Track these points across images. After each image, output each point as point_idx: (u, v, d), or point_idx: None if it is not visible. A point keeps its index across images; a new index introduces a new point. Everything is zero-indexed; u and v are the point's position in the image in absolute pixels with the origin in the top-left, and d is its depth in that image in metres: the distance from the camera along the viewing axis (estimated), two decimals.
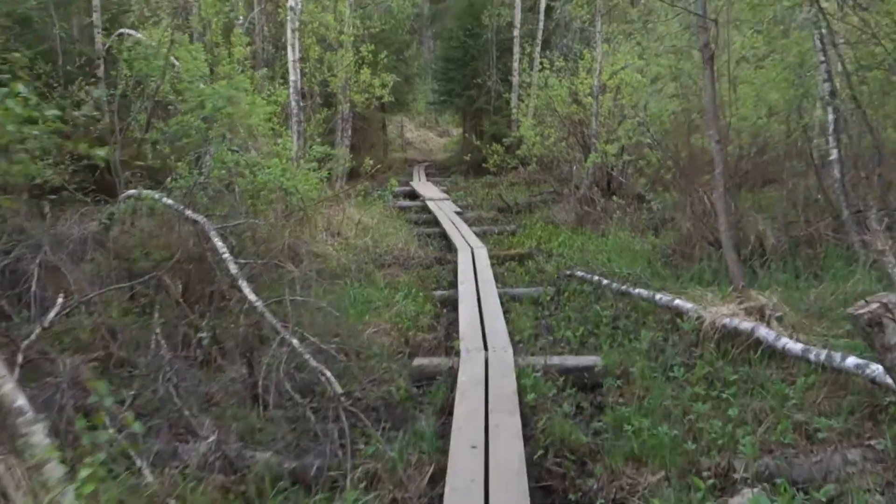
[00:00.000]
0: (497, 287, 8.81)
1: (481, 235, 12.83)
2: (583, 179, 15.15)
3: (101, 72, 12.31)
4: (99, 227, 7.92)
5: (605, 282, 8.28)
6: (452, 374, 5.83)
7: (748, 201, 9.53)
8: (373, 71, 14.42)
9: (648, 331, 6.74)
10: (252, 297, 5.64)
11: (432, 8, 30.46)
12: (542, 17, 22.67)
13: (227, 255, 6.16)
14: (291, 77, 10.35)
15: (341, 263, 9.42)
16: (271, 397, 5.17)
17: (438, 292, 8.82)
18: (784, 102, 9.03)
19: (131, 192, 8.30)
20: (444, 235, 12.67)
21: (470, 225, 13.98)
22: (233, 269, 5.99)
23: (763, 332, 5.65)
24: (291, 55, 10.31)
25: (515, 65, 22.68)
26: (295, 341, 5.14)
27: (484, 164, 18.54)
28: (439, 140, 34.29)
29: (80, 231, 7.71)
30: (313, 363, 4.94)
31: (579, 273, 9.08)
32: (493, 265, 10.09)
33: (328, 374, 4.84)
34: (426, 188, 19.24)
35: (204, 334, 5.95)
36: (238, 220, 6.93)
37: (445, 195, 17.65)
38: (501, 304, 8.06)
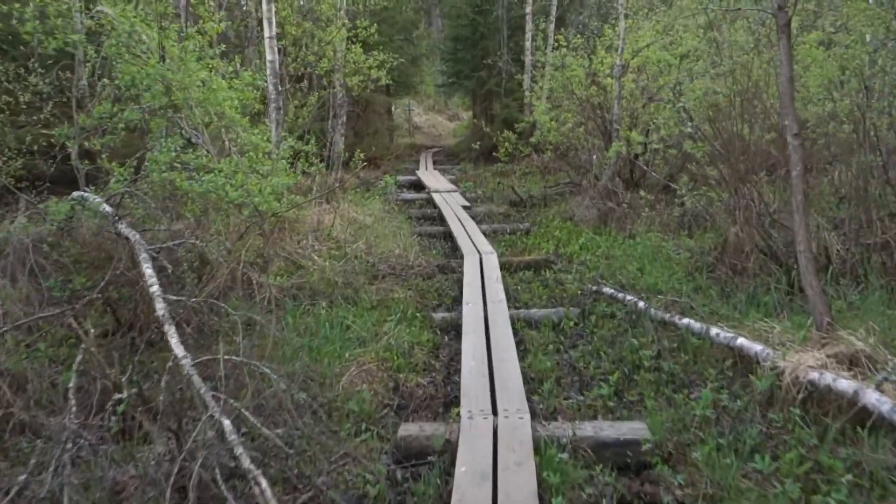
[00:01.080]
0: (509, 306, 7.29)
1: (491, 235, 11.29)
2: (603, 169, 13.55)
3: (80, 54, 10.80)
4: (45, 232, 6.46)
5: (641, 304, 6.72)
6: (451, 449, 4.32)
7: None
8: (366, 50, 12.77)
9: (704, 379, 5.22)
10: (179, 350, 4.13)
11: None
12: None
13: (155, 288, 4.65)
14: (268, 56, 8.78)
15: (325, 277, 7.90)
16: (193, 494, 3.68)
17: (439, 314, 7.28)
18: (856, 82, 7.40)
19: (78, 193, 6.84)
20: (449, 235, 11.13)
21: (479, 222, 12.43)
22: (159, 307, 4.48)
23: (872, 398, 4.08)
24: (267, 30, 8.74)
25: (528, 44, 21.00)
26: (227, 423, 3.63)
27: (495, 153, 16.91)
28: (449, 124, 32.66)
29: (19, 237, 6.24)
30: (246, 462, 3.43)
31: (607, 290, 7.53)
32: (504, 275, 8.55)
33: (263, 484, 3.32)
34: (433, 178, 17.68)
35: (123, 395, 4.45)
36: (179, 240, 5.39)
37: (453, 186, 16.07)
38: (514, 330, 6.55)
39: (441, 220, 12.46)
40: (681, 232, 10.41)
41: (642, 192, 11.15)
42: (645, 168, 12.70)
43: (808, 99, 7.29)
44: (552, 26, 20.45)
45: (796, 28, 7.93)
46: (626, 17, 13.27)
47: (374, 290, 7.98)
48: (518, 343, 6.38)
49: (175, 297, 4.67)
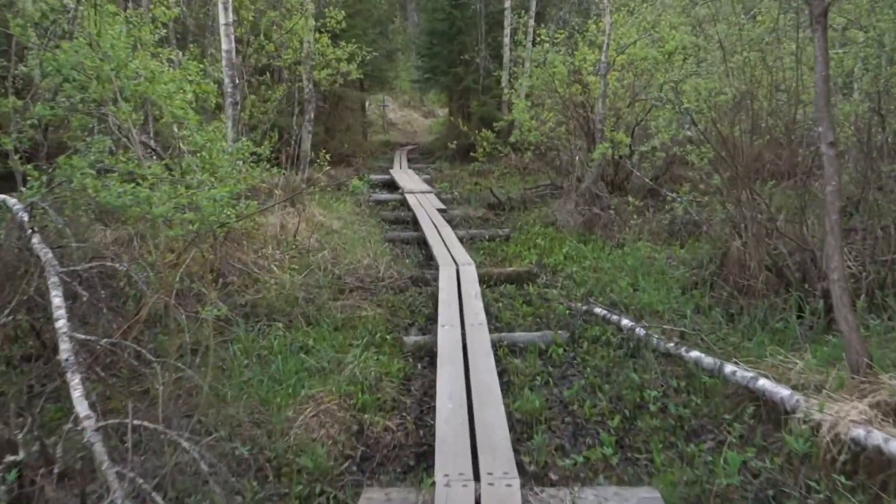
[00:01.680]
0: (490, 327, 6.48)
1: (468, 242, 10.46)
2: (586, 171, 12.78)
3: (33, 41, 9.80)
4: None
5: (639, 331, 5.92)
6: None
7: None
8: (337, 42, 11.81)
9: (718, 425, 4.44)
10: (82, 408, 3.26)
11: None
12: None
13: (61, 323, 3.76)
14: (224, 46, 7.84)
15: (285, 293, 7.02)
16: None
17: (411, 338, 6.42)
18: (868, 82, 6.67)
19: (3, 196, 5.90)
20: (423, 242, 10.28)
21: (455, 226, 11.60)
22: (63, 349, 3.60)
23: None
24: (223, 16, 7.81)
25: (506, 40, 20.18)
26: None
27: (472, 152, 16.06)
28: (424, 121, 31.76)
29: None
30: None
31: (599, 310, 6.73)
32: (483, 289, 7.73)
33: None
34: (407, 177, 16.81)
35: (20, 455, 3.57)
36: (98, 261, 4.48)
37: (428, 187, 15.21)
38: (496, 358, 5.74)
39: (415, 224, 11.61)
40: (671, 241, 9.69)
41: (630, 198, 10.36)
42: (631, 170, 11.95)
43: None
44: (532, 21, 19.64)
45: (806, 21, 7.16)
46: (614, 11, 12.49)
47: (339, 308, 7.11)
48: (501, 373, 5.57)
49: (83, 337, 3.77)
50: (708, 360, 4.98)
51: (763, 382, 4.44)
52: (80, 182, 4.60)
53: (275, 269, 7.70)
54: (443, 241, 9.84)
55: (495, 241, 10.55)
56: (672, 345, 5.41)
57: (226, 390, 4.80)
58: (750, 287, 6.50)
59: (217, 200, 4.82)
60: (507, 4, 20.03)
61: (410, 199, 13.57)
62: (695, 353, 5.14)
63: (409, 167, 19.59)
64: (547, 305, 7.34)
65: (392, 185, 16.32)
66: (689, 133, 7.60)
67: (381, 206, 13.89)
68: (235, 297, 6.87)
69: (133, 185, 4.32)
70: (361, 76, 12.46)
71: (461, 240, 10.31)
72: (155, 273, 4.53)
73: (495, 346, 5.99)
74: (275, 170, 8.48)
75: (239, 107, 7.90)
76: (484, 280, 8.14)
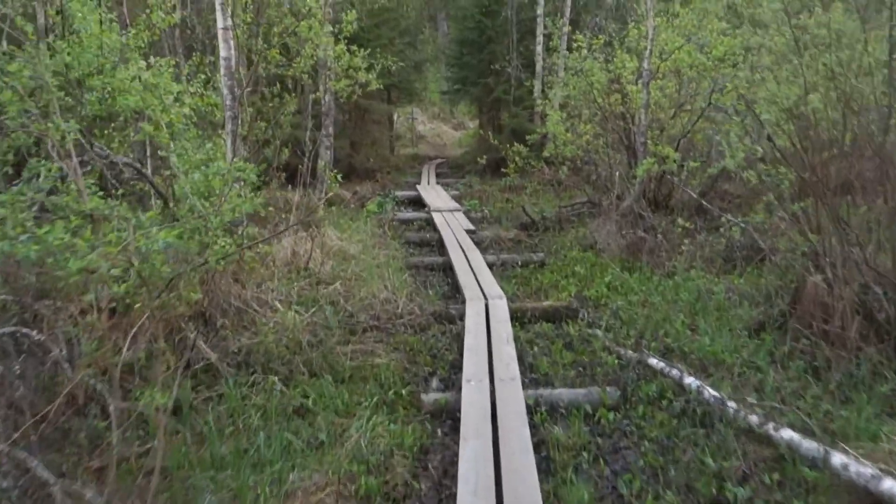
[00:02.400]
0: (524, 379, 5.43)
1: (499, 268, 9.40)
2: (627, 188, 11.66)
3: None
4: None
5: (707, 394, 4.79)
6: None
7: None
8: (352, 50, 10.79)
9: None
10: None
11: None
12: None
13: None
14: (222, 52, 6.88)
15: (288, 335, 6.02)
16: None
17: (431, 395, 5.35)
18: None
19: None
20: (449, 268, 9.23)
21: (484, 249, 10.54)
22: None
23: None
24: (220, 20, 6.87)
25: (539, 48, 19.15)
26: None
27: (503, 167, 14.97)
28: (454, 133, 30.79)
29: None
30: None
31: (654, 361, 5.61)
32: (515, 329, 6.68)
33: None
34: (435, 194, 15.81)
35: None
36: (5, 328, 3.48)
37: (456, 205, 14.18)
38: (532, 424, 4.68)
39: (441, 247, 10.58)
40: (728, 269, 8.54)
41: (679, 220, 9.20)
42: (673, 186, 10.78)
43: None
44: (566, 28, 18.59)
45: None
46: (658, 14, 11.37)
47: (348, 353, 6.08)
48: (538, 446, 4.52)
49: None
50: (807, 445, 3.85)
51: (890, 485, 3.31)
52: (14, 216, 3.62)
53: (278, 305, 6.70)
54: (471, 268, 8.78)
55: (528, 267, 9.46)
56: (755, 418, 4.28)
57: (190, 480, 3.78)
58: (837, 335, 5.34)
59: (166, 247, 3.78)
60: (540, 11, 19.00)
61: (437, 218, 12.55)
62: (787, 434, 4.01)
63: (438, 182, 18.61)
64: (591, 351, 6.24)
65: (419, 203, 15.34)
66: (758, 150, 6.42)
67: (406, 225, 12.88)
68: (229, 341, 5.88)
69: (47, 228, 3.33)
70: (382, 87, 11.49)
71: (491, 266, 9.26)
72: (91, 339, 3.53)
73: (531, 408, 4.92)
74: (288, 189, 7.50)
75: (239, 121, 6.94)
76: (516, 317, 7.07)
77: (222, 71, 6.84)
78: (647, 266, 8.78)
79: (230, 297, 6.34)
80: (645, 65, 11.09)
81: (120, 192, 5.67)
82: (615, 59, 11.70)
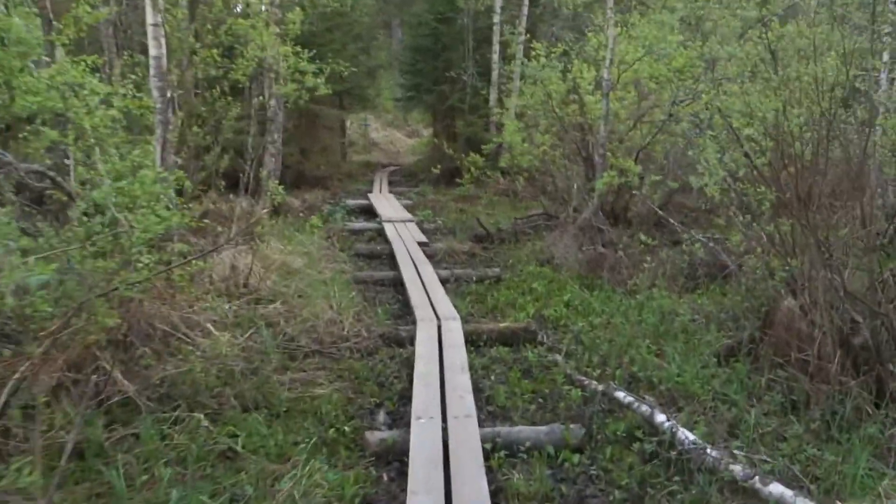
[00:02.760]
0: (481, 414, 4.93)
1: (453, 284, 8.88)
2: (584, 200, 11.27)
3: None
4: None
5: (682, 436, 4.31)
6: None
7: None
8: (298, 52, 10.07)
9: None
10: None
11: None
12: (525, 0, 18.69)
13: None
14: (151, 51, 6.23)
15: (218, 363, 5.39)
16: None
17: (376, 435, 4.76)
18: None
19: None
20: (400, 283, 8.67)
21: (438, 263, 10.03)
22: None
23: None
24: (150, 16, 6.21)
25: (495, 56, 18.75)
26: None
27: (458, 177, 14.48)
28: (407, 141, 30.22)
29: None
30: None
31: (621, 395, 5.13)
32: (470, 353, 6.16)
33: None
34: (387, 203, 15.24)
35: None
36: None
37: (409, 215, 13.63)
38: (488, 468, 4.17)
39: (392, 260, 10.01)
40: (690, 286, 8.18)
41: (640, 235, 8.80)
42: (638, 200, 10.41)
43: None
44: (523, 37, 18.23)
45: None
46: (617, 24, 11.01)
47: (287, 383, 5.48)
48: (495, 494, 3.99)
49: None
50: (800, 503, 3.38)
51: None
52: None
53: (211, 328, 6.06)
54: (423, 284, 8.24)
55: (484, 283, 8.95)
56: (739, 469, 3.81)
57: None
58: (817, 366, 4.94)
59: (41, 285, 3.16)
60: (497, 19, 18.60)
61: (389, 229, 11.99)
62: (777, 489, 3.53)
63: (391, 191, 18.04)
64: (551, 380, 5.74)
65: (370, 212, 14.75)
66: (737, 169, 5.99)
67: (357, 236, 12.28)
68: (152, 370, 5.23)
69: None
70: (333, 92, 10.86)
71: (445, 281, 8.74)
72: None
73: (487, 448, 4.39)
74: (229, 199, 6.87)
75: (170, 126, 6.28)
76: (471, 340, 6.56)
77: (152, 71, 6.17)
78: (607, 283, 8.35)
79: (155, 321, 5.69)
80: (605, 75, 10.72)
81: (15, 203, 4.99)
82: (573, 69, 11.29)
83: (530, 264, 9.83)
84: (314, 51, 11.32)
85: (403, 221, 12.83)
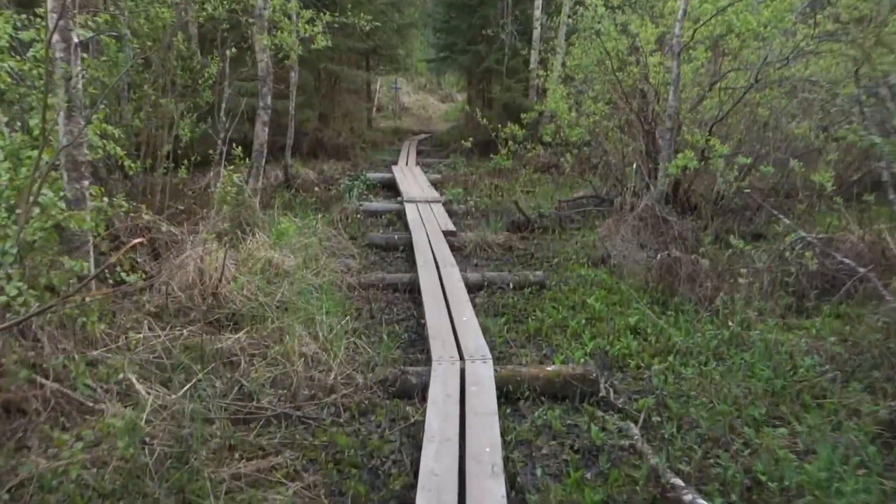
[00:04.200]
0: None
1: (485, 290, 6.90)
2: (644, 183, 9.14)
3: None
4: None
5: None
6: None
7: None
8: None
9: None
10: None
11: None
12: None
13: None
14: None
15: (118, 452, 3.48)
16: None
17: None
18: None
19: None
20: (418, 290, 6.67)
21: (467, 258, 8.09)
22: None
23: None
24: None
25: (537, 12, 16.44)
26: None
27: (495, 150, 12.32)
28: (441, 106, 28.07)
29: None
30: None
31: None
32: (506, 417, 4.20)
33: None
34: (412, 178, 13.20)
35: None
36: None
37: (436, 194, 11.60)
38: None
39: (410, 254, 8.04)
40: (797, 305, 6.09)
41: (742, 242, 6.65)
42: (728, 186, 8.17)
43: None
44: None
45: None
46: None
47: (226, 480, 3.54)
48: None
49: None
50: None
51: None
52: None
53: (133, 380, 4.14)
54: (445, 297, 6.23)
55: (524, 292, 6.92)
56: None
57: None
58: None
59: None
60: None
61: (411, 211, 9.98)
62: None
63: (418, 162, 16.00)
64: (629, 478, 3.72)
65: (393, 187, 12.76)
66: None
67: (372, 219, 10.31)
68: (18, 461, 3.34)
69: None
70: (330, 45, 8.67)
71: (475, 289, 6.77)
72: None
73: None
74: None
75: (81, 80, 4.28)
76: (506, 393, 4.58)
77: (49, 4, 4.17)
78: (685, 300, 6.27)
79: (36, 380, 3.78)
80: (676, 30, 8.48)
81: None
82: (631, 24, 9.03)
83: (581, 264, 7.79)
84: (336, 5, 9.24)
85: (429, 202, 10.80)
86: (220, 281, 5.97)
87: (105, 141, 5.09)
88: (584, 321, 6.00)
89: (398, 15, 19.78)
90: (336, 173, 14.22)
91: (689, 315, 5.98)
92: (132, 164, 5.28)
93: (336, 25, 13.22)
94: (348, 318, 5.67)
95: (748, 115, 9.34)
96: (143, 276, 6.16)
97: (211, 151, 7.26)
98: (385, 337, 5.65)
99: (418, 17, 22.73)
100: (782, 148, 9.05)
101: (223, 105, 7.63)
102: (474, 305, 6.21)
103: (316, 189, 12.39)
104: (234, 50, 7.61)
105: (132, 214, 6.63)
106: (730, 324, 5.62)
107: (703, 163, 7.86)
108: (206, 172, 9.01)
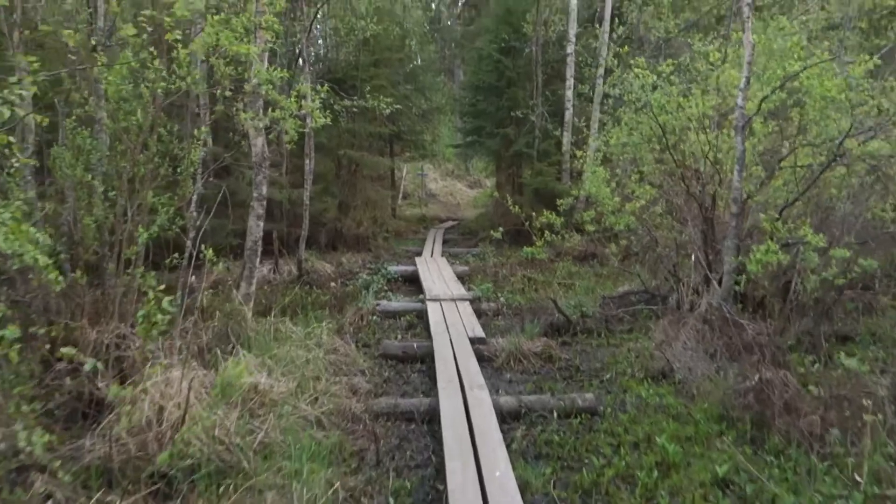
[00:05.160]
0: None
1: (524, 419, 5.46)
2: (704, 280, 7.74)
3: None
4: None
5: None
6: None
7: None
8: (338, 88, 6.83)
9: None
10: None
11: (463, 29, 23.36)
12: (606, 26, 15.37)
13: None
14: None
15: None
16: None
17: None
18: None
19: None
20: (437, 422, 5.25)
21: (498, 372, 6.68)
22: None
23: None
24: None
25: (569, 93, 15.44)
26: None
27: (525, 241, 11.01)
28: (469, 192, 27.11)
29: None
30: None
31: None
32: None
33: None
34: (436, 271, 11.91)
35: None
36: None
37: (462, 290, 10.25)
38: None
39: (431, 368, 6.65)
40: None
41: (842, 357, 5.18)
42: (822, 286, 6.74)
43: None
44: (601, 71, 14.93)
45: None
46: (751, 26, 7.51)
47: None
48: None
49: None
50: None
51: None
52: None
53: None
54: (472, 436, 4.81)
55: (572, 424, 5.46)
56: None
57: None
58: None
59: None
60: (570, 49, 15.34)
61: (433, 313, 8.63)
62: None
63: (445, 251, 14.77)
64: None
65: (416, 281, 11.48)
66: None
67: (390, 321, 8.98)
68: None
69: None
70: (325, 121, 7.48)
71: (509, 417, 5.35)
72: None
73: None
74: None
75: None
76: None
77: None
78: (786, 438, 4.76)
79: None
80: (739, 101, 7.24)
81: None
82: (694, 95, 7.82)
83: (638, 380, 6.33)
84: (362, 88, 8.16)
85: (454, 300, 9.46)
86: (182, 420, 4.63)
87: (29, 246, 3.89)
88: (654, 471, 4.52)
89: (423, 100, 18.99)
90: (355, 266, 13.04)
91: (794, 460, 4.47)
92: (56, 278, 4.05)
93: (355, 110, 12.34)
94: (344, 472, 4.25)
95: (815, 196, 8.01)
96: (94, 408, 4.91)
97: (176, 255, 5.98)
98: (395, 486, 4.21)
99: (445, 101, 21.97)
100: (852, 233, 7.66)
101: (193, 197, 6.46)
102: (509, 446, 4.79)
103: (332, 285, 11.17)
104: (205, 129, 6.47)
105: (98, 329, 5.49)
106: (857, 478, 4.11)
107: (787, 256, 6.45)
108: (197, 272, 7.81)
